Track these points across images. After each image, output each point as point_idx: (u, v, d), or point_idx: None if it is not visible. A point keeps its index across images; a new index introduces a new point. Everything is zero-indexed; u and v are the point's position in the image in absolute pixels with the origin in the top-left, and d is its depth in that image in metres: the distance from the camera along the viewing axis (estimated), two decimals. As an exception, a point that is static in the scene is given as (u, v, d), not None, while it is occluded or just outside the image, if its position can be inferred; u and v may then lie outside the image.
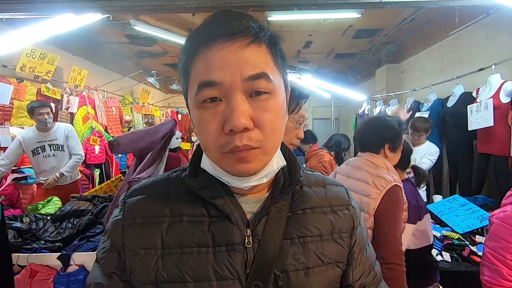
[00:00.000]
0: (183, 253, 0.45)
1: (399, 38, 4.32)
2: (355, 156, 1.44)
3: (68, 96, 3.92)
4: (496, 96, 2.48)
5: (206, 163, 0.49)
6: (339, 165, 3.11)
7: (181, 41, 3.84)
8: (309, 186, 0.55)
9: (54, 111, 3.00)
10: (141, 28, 3.40)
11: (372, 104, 5.13)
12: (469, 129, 2.69)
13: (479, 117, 2.57)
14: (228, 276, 0.45)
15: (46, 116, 2.57)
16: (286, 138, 1.03)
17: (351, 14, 3.10)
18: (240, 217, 0.48)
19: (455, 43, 3.49)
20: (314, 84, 5.28)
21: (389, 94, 4.58)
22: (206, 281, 0.44)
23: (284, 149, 0.54)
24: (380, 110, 4.58)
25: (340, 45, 4.93)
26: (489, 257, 0.97)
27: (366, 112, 5.12)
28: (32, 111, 2.56)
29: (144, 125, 5.77)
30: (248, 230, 0.47)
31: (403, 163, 1.48)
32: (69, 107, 3.90)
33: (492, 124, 2.44)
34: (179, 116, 7.31)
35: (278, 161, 0.48)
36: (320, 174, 0.60)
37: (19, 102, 3.23)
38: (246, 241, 0.46)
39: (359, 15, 3.13)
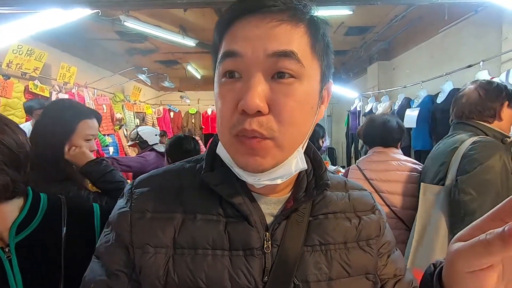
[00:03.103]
0: (196, 254, 0.41)
1: (390, 36, 4.36)
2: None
3: (57, 93, 3.85)
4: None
5: (222, 149, 0.43)
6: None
7: (173, 37, 3.81)
8: (330, 190, 0.49)
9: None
10: (131, 24, 3.35)
11: (364, 101, 5.17)
12: (458, 124, 2.73)
13: (468, 113, 2.61)
14: (244, 284, 0.40)
15: None
16: None
17: (343, 11, 3.11)
18: (260, 219, 0.43)
19: (445, 40, 3.54)
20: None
21: (381, 91, 4.62)
22: (221, 287, 0.40)
23: (309, 148, 0.49)
24: (372, 107, 4.62)
25: (332, 42, 4.92)
26: None
27: (358, 109, 5.16)
28: (30, 111, 2.59)
29: (137, 121, 5.72)
30: (267, 233, 0.43)
31: None
32: (58, 104, 3.83)
33: (480, 120, 2.48)
34: (171, 113, 7.27)
35: (298, 163, 0.42)
36: (342, 177, 0.55)
37: (6, 100, 3.15)
38: (265, 245, 0.42)
39: (351, 12, 3.14)
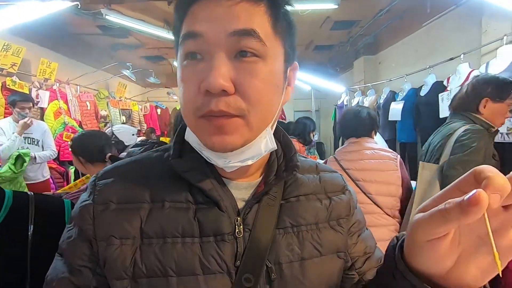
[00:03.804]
0: (165, 243, 0.40)
1: (375, 30, 4.41)
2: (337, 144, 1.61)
3: (37, 90, 3.72)
4: (464, 84, 2.59)
5: (190, 134, 0.43)
6: (309, 149, 3.17)
7: (157, 32, 3.72)
8: (302, 173, 0.50)
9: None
10: (113, 18, 3.26)
11: (351, 95, 5.22)
12: (440, 116, 2.80)
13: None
14: (216, 270, 0.40)
15: (27, 111, 2.60)
16: None
17: (328, 5, 3.12)
18: (231, 204, 0.43)
19: (428, 34, 3.60)
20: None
21: (367, 85, 4.68)
22: (191, 275, 0.39)
23: (278, 131, 0.50)
24: (358, 101, 4.68)
25: (319, 37, 4.96)
26: None
27: (345, 103, 5.22)
28: (13, 103, 2.58)
29: (123, 118, 5.61)
30: (238, 218, 0.43)
31: None
32: (39, 101, 3.70)
33: (462, 111, 2.55)
34: (159, 110, 7.16)
35: (267, 143, 0.42)
36: (313, 160, 0.56)
37: (-18, 97, 3.03)
38: (237, 230, 0.42)
39: (336, 6, 3.15)
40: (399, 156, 1.56)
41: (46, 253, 0.60)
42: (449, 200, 0.25)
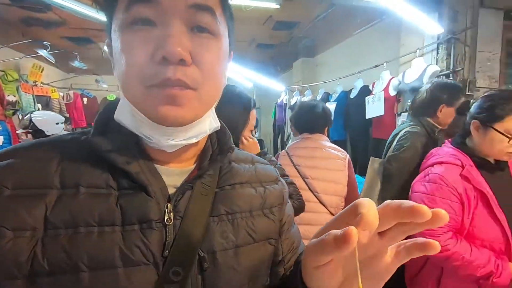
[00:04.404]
0: (76, 233, 0.35)
1: (314, 33, 4.67)
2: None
3: None
4: (386, 89, 2.92)
5: (123, 112, 0.39)
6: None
7: (84, 10, 3.28)
8: (237, 162, 0.51)
9: None
10: (25, -14, 2.75)
11: (290, 94, 5.45)
12: (366, 117, 3.11)
13: (374, 107, 2.99)
14: (140, 261, 0.36)
15: None
16: None
17: (271, 4, 3.17)
18: (160, 190, 0.40)
19: (358, 42, 3.96)
20: (237, 71, 5.28)
21: (304, 85, 4.94)
22: (109, 268, 0.35)
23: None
24: (297, 100, 4.90)
25: (261, 35, 5.04)
26: None
27: (284, 102, 5.42)
28: None
29: (39, 106, 4.82)
30: (169, 205, 0.40)
31: None
32: None
33: (383, 113, 2.87)
34: (85, 99, 6.38)
35: (211, 122, 0.42)
36: (249, 152, 0.57)
37: None
38: (166, 217, 0.39)
39: (278, 6, 3.22)
40: (348, 155, 1.59)
41: None
42: (329, 232, 0.27)
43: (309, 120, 1.61)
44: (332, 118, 3.72)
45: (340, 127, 3.83)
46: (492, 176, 1.14)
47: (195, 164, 0.46)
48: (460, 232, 1.11)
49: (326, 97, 4.23)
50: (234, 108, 1.07)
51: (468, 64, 2.47)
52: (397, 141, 1.55)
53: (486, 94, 1.17)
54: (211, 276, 0.41)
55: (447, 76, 2.48)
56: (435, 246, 0.26)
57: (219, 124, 0.44)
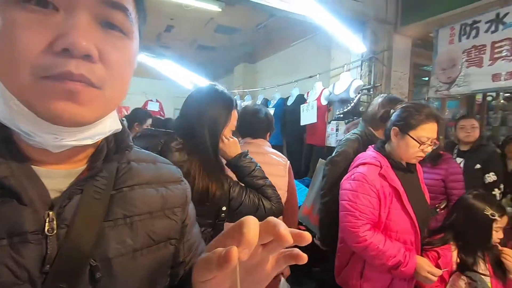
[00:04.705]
0: None
1: (255, 40, 4.80)
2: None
3: None
4: (319, 99, 3.17)
5: None
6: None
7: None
8: (138, 162, 0.47)
9: None
10: None
11: (231, 98, 5.48)
12: (301, 124, 3.31)
13: (308, 115, 3.20)
14: (10, 282, 0.31)
15: None
16: None
17: (212, 6, 3.15)
18: (39, 196, 0.34)
19: (295, 52, 4.22)
20: (176, 71, 5.09)
21: (245, 90, 5.03)
22: None
23: None
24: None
25: (202, 37, 4.96)
26: (346, 206, 1.25)
27: (225, 105, 5.42)
28: None
29: None
30: (50, 213, 0.34)
31: None
32: None
33: (316, 121, 3.10)
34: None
35: (112, 123, 0.38)
36: (152, 153, 0.52)
37: None
38: (47, 227, 0.34)
39: (220, 10, 3.23)
40: (288, 162, 1.59)
41: None
42: (215, 250, 0.28)
43: (251, 125, 1.58)
44: (272, 124, 3.94)
45: (277, 132, 3.99)
46: (404, 177, 1.33)
47: (86, 165, 0.41)
48: (378, 225, 1.26)
49: (265, 103, 4.37)
50: (216, 107, 1.06)
51: (385, 81, 2.85)
52: (337, 146, 1.75)
53: (403, 105, 1.37)
54: (106, 286, 0.38)
55: (368, 90, 2.82)
56: (304, 257, 0.30)
57: (121, 126, 0.41)
